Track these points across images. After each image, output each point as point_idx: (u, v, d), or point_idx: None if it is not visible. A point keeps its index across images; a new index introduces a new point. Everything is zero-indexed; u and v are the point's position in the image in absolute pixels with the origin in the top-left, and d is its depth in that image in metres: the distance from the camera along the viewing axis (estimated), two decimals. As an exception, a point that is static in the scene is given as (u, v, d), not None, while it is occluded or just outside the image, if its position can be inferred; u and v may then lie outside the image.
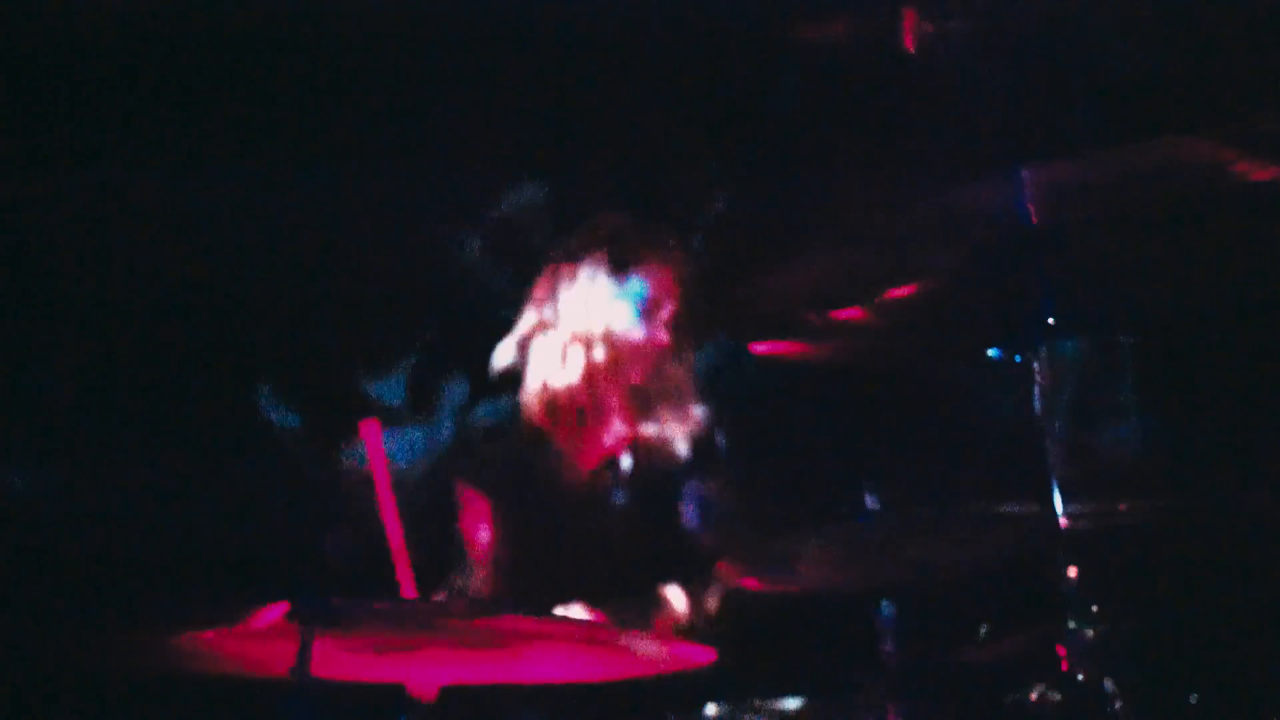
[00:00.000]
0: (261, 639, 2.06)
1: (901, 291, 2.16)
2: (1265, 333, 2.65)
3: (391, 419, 3.62)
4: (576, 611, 2.92)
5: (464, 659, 2.27)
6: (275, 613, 1.97)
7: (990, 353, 2.08)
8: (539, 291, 3.21)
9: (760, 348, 2.26)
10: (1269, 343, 2.66)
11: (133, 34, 3.32)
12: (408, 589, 2.76)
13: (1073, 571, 2.09)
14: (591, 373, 3.12)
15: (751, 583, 2.32)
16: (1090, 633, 2.00)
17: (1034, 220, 1.95)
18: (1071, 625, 2.02)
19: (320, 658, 2.04)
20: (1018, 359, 2.00)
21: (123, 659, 2.15)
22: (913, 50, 2.70)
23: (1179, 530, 2.42)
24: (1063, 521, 2.09)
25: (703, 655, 2.22)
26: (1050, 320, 1.98)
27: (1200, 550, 2.48)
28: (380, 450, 2.67)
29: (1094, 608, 2.05)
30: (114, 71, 3.38)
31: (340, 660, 2.17)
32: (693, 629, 3.07)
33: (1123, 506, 2.36)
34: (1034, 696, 2.11)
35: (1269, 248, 2.19)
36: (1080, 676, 2.00)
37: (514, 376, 3.22)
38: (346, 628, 2.04)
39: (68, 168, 3.37)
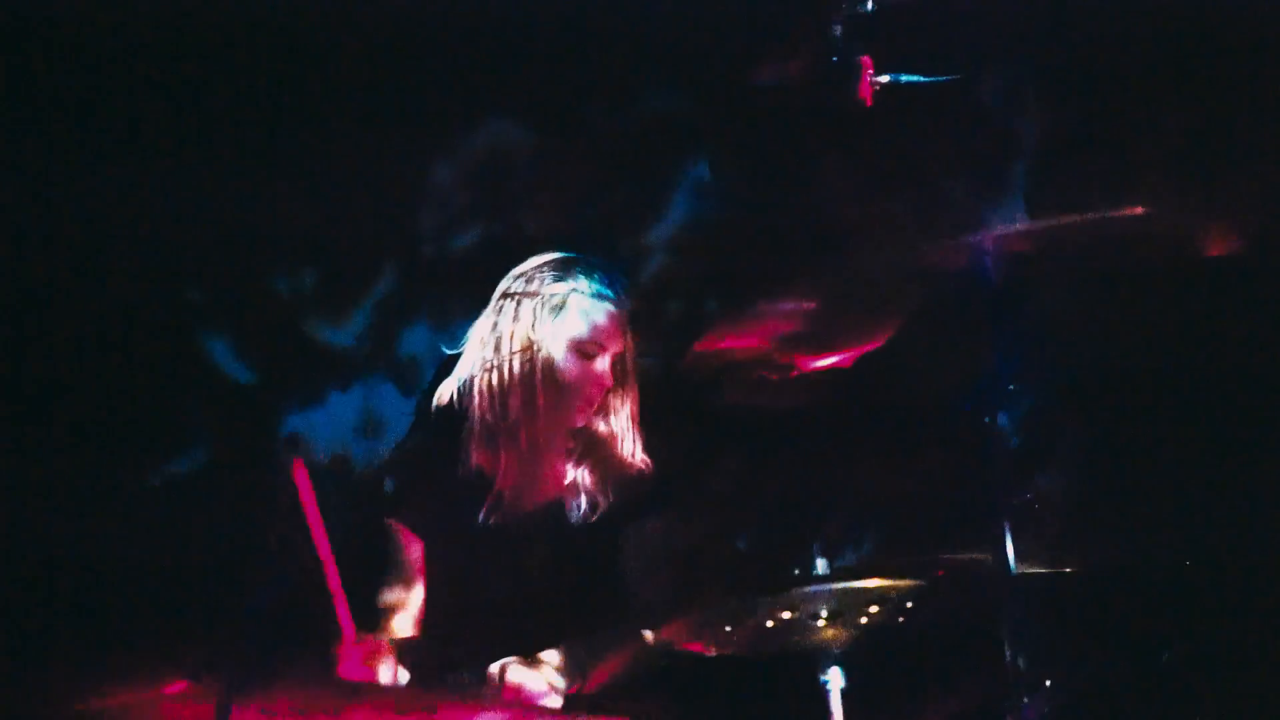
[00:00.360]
0: (176, 705, 1.97)
1: (859, 349, 2.12)
2: (1218, 394, 2.65)
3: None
4: (516, 670, 2.85)
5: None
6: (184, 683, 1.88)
7: (953, 410, 2.04)
8: (482, 329, 3.16)
9: (715, 399, 2.21)
10: (1223, 404, 2.66)
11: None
12: (347, 631, 2.69)
13: (1023, 637, 2.04)
14: (534, 414, 3.06)
15: (696, 646, 2.25)
16: (1046, 709, 1.95)
17: (996, 282, 1.92)
18: (1025, 700, 1.96)
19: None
20: (986, 419, 1.96)
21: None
22: (869, 103, 2.66)
23: (1128, 590, 2.41)
24: (1015, 582, 2.05)
25: None
26: (1011, 385, 1.95)
27: (1152, 610, 2.47)
28: (310, 490, 2.58)
29: (1048, 682, 2.00)
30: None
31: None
32: (628, 686, 3.01)
33: (1069, 569, 2.35)
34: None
35: (1224, 311, 2.17)
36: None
37: (454, 415, 3.16)
38: (267, 694, 1.95)
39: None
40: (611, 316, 3.12)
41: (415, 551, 3.17)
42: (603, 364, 3.10)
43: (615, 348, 3.12)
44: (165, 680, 1.92)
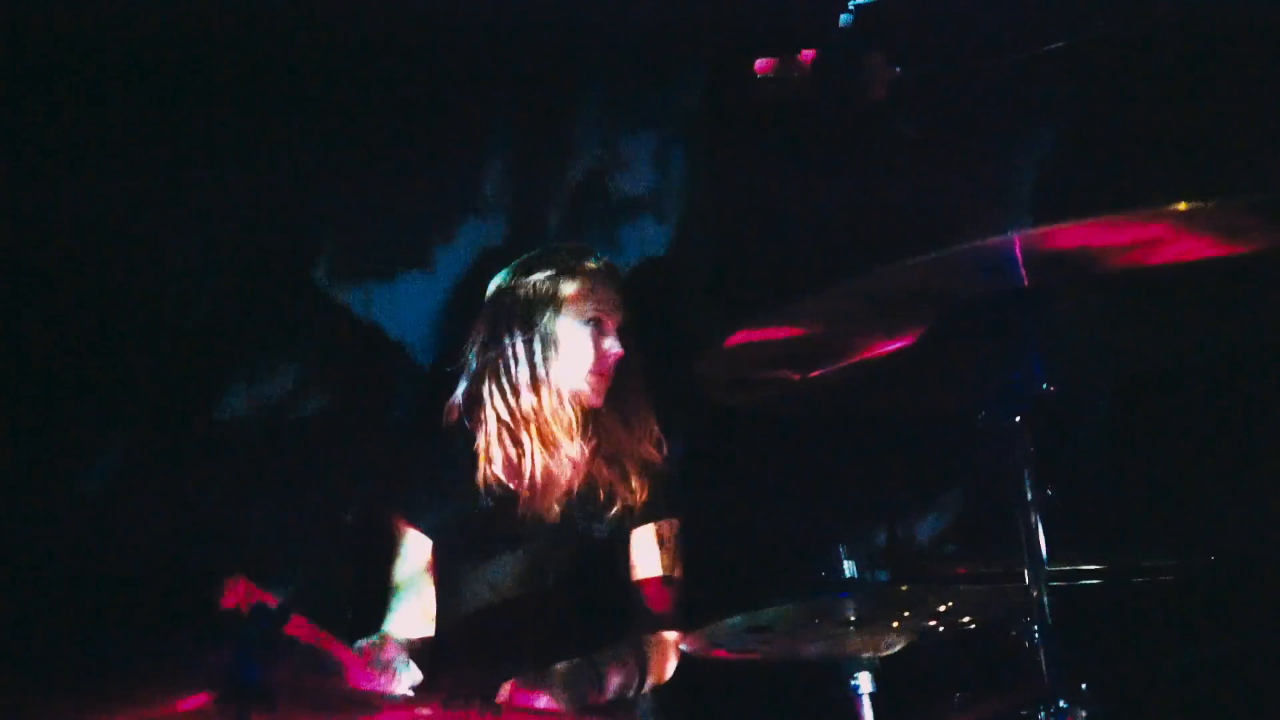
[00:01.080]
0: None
1: (883, 350, 2.08)
2: (1249, 394, 2.63)
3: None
4: (524, 689, 2.80)
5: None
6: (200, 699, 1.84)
7: (981, 414, 2.01)
8: (479, 335, 3.12)
9: (734, 402, 2.18)
10: (1256, 402, 2.65)
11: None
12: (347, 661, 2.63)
13: (1055, 642, 2.01)
14: (547, 397, 3.03)
15: (720, 653, 2.22)
16: (1083, 714, 1.93)
17: (1025, 283, 1.89)
18: (1062, 704, 1.94)
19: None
20: (1017, 419, 1.93)
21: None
22: (882, 95, 2.63)
23: (1164, 593, 2.39)
24: (1046, 587, 2.03)
25: None
26: (1044, 385, 1.93)
27: (1186, 613, 2.45)
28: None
29: (1082, 685, 1.98)
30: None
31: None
32: (648, 695, 2.98)
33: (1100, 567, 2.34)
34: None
35: (1255, 310, 2.14)
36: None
37: (464, 428, 3.12)
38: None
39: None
40: (607, 287, 3.10)
41: (425, 551, 3.14)
42: (608, 334, 3.08)
43: (617, 317, 3.10)
44: (182, 694, 1.88)
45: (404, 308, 3.43)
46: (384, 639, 3.00)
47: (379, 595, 3.13)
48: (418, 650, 3.05)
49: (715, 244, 3.44)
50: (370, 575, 3.18)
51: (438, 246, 3.45)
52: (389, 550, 3.14)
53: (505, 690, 2.80)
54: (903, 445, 3.05)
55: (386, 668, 2.92)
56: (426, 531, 3.13)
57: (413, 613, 3.10)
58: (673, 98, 3.44)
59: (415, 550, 3.13)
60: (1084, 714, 1.93)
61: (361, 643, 2.96)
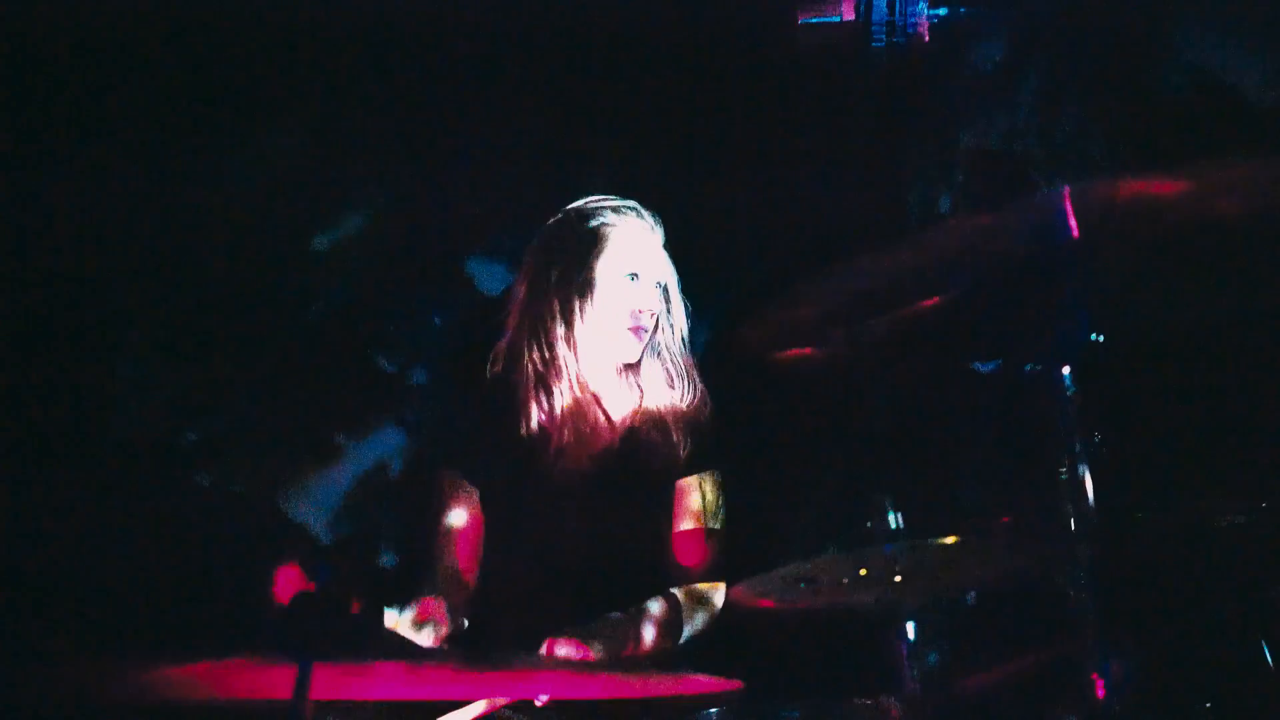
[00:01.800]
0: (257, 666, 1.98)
1: (928, 303, 2.07)
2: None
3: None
4: (565, 645, 2.81)
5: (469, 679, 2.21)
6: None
7: (1026, 366, 2.00)
8: (520, 286, 3.13)
9: (781, 357, 2.18)
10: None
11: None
12: None
13: (1097, 595, 2.01)
14: (581, 347, 3.04)
15: (767, 603, 2.23)
16: (1127, 665, 1.93)
17: (1075, 235, 1.87)
18: (1106, 655, 1.94)
19: (320, 681, 1.96)
20: (1065, 373, 1.93)
21: (106, 692, 2.06)
22: (927, 38, 2.60)
23: (1209, 543, 2.37)
24: (1092, 538, 2.02)
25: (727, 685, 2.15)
26: (1094, 335, 1.91)
27: (1231, 563, 2.43)
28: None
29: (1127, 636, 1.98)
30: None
31: (340, 682, 2.10)
32: (685, 647, 2.99)
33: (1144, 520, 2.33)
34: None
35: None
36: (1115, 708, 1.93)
37: (507, 377, 3.13)
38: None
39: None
40: (646, 240, 3.09)
41: (472, 501, 3.15)
42: (645, 287, 3.07)
43: (655, 272, 3.09)
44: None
45: (302, 501, 3.49)
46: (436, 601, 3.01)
47: (426, 545, 3.16)
48: (461, 601, 3.07)
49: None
50: (417, 525, 3.21)
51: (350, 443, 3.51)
52: (437, 500, 3.16)
53: (544, 645, 2.82)
54: (950, 397, 3.04)
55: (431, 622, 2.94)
56: (473, 482, 3.15)
57: (459, 563, 3.12)
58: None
59: (463, 500, 3.15)
60: (1128, 665, 1.93)
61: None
